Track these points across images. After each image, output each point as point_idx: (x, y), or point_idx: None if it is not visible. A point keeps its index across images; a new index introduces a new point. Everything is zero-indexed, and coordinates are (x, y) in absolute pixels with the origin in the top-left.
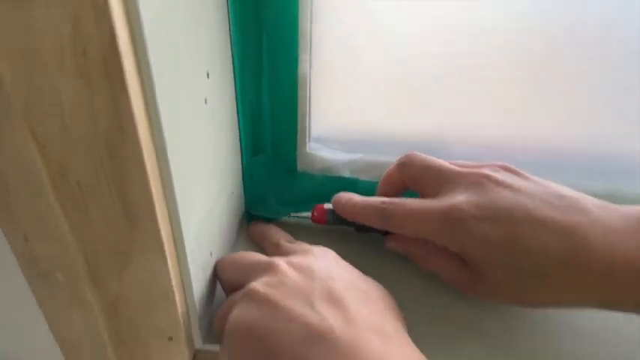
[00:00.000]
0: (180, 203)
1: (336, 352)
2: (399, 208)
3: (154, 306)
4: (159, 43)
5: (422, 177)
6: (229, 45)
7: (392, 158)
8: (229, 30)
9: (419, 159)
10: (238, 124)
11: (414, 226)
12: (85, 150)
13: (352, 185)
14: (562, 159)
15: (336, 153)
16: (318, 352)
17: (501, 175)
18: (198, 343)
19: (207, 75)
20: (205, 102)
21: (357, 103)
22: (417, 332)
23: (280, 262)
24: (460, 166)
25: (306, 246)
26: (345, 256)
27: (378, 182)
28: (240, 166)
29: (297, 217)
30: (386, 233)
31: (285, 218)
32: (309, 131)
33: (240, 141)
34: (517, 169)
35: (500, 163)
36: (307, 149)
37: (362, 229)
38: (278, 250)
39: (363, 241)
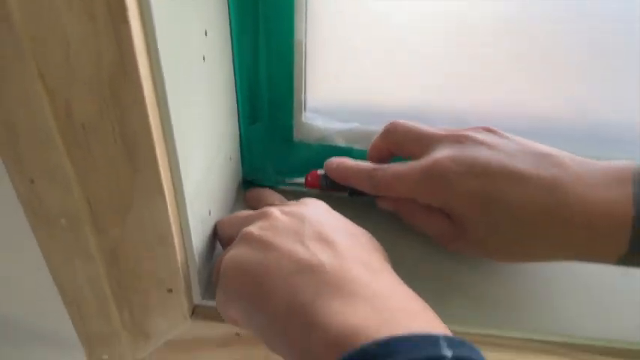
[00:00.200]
0: (179, 150)
1: (325, 282)
2: (385, 172)
3: (154, 252)
4: None
5: (405, 142)
6: (227, 7)
7: None
8: None
9: (401, 125)
10: (235, 88)
11: (400, 186)
12: (89, 90)
13: (347, 154)
14: (550, 126)
15: (332, 122)
16: (309, 282)
17: (482, 135)
18: (197, 299)
19: (205, 33)
20: (203, 59)
21: (352, 73)
22: None
23: (273, 209)
24: (444, 130)
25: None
26: None
27: None
28: (237, 131)
29: (292, 184)
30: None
31: (280, 186)
32: (305, 100)
33: (238, 106)
34: (499, 130)
35: (483, 126)
36: (303, 119)
37: (355, 193)
38: None
39: (355, 207)
